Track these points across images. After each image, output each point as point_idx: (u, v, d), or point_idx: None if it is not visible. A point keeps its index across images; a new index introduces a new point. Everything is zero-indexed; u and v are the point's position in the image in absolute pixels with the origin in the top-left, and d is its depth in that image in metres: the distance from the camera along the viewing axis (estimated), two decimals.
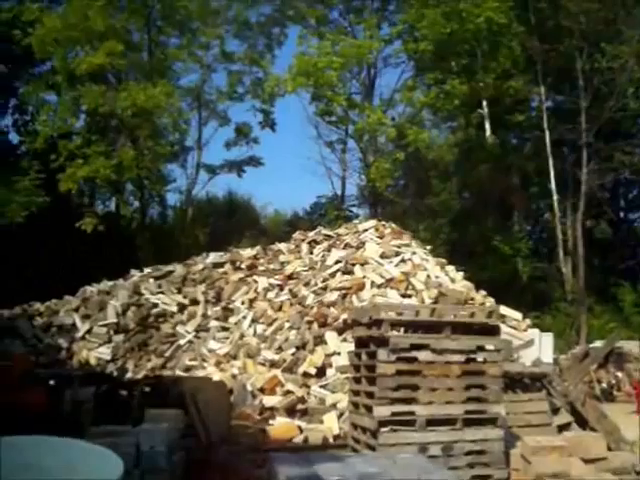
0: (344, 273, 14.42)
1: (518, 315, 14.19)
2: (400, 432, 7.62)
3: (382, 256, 14.57)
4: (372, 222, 16.71)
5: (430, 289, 13.10)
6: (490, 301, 14.88)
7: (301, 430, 10.08)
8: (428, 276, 13.83)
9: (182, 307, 15.49)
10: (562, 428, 10.65)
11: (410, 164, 30.60)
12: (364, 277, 13.79)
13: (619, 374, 21.21)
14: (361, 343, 8.65)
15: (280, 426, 10.17)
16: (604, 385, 20.47)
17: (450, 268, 15.31)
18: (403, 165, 29.48)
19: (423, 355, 7.76)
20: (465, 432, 7.74)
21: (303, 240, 17.08)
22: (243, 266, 16.55)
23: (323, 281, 14.40)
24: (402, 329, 8.85)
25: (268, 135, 54.36)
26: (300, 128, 40.01)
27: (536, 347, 13.61)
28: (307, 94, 26.33)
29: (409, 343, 7.76)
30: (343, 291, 13.58)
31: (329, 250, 15.83)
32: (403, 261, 14.36)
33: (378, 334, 7.89)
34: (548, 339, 13.87)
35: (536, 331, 14.01)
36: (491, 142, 29.30)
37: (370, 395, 7.94)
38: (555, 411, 10.81)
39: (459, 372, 7.81)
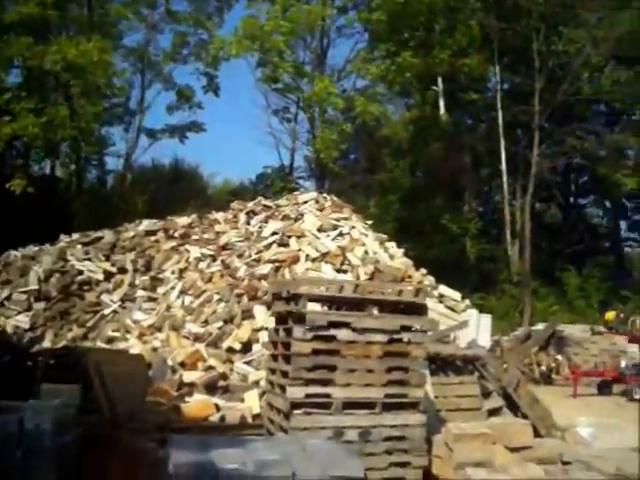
0: (280, 245, 13.81)
1: (457, 295, 13.79)
2: (314, 415, 7.07)
3: (320, 229, 14.00)
4: (312, 194, 16.12)
5: (366, 265, 12.58)
6: (429, 280, 14.47)
7: (218, 408, 9.48)
8: (366, 252, 13.31)
9: (109, 275, 14.67)
10: (493, 413, 10.28)
11: (361, 139, 29.99)
12: (299, 250, 13.20)
13: (559, 357, 21.21)
14: (280, 319, 8.06)
15: (196, 404, 9.54)
16: (543, 368, 20.43)
17: (390, 244, 14.83)
18: (354, 140, 28.89)
19: (342, 334, 7.21)
20: (384, 417, 7.23)
21: (241, 210, 16.39)
22: (177, 235, 15.80)
23: (257, 253, 13.77)
24: (326, 306, 8.33)
25: (219, 103, 53.15)
26: (251, 96, 39.09)
27: (473, 328, 13.21)
28: (254, 59, 25.54)
29: (327, 320, 7.18)
30: (276, 264, 12.98)
31: (266, 221, 15.19)
32: (341, 235, 13.82)
33: (295, 310, 7.32)
34: (486, 321, 13.50)
35: (474, 312, 13.63)
36: (445, 120, 28.92)
37: (285, 374, 7.35)
38: (487, 395, 10.44)
39: (380, 353, 7.28)
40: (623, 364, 17.22)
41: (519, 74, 27.69)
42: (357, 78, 27.67)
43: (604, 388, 17.07)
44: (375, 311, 7.82)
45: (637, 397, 16.06)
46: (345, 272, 12.57)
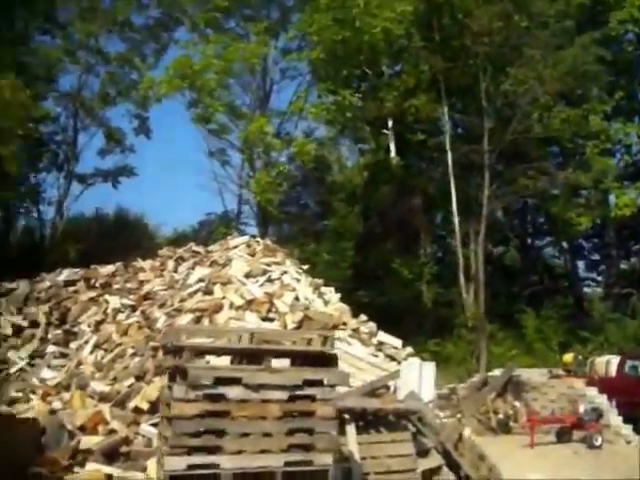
0: (205, 293, 12.74)
1: (398, 342, 12.82)
2: None
3: (248, 275, 12.99)
4: (244, 238, 15.13)
5: (295, 312, 11.54)
6: (370, 327, 13.49)
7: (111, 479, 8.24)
8: (296, 298, 12.30)
9: (18, 330, 13.38)
10: (432, 473, 9.23)
11: (311, 184, 29.23)
12: (223, 298, 12.14)
13: (517, 404, 20.18)
14: (171, 376, 6.96)
15: (84, 475, 8.29)
16: (501, 416, 19.36)
17: (328, 290, 13.86)
18: (302, 185, 28.10)
19: (234, 392, 6.13)
20: None
21: (170, 257, 15.29)
22: (97, 285, 14.61)
23: (180, 302, 12.66)
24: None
25: (161, 148, 51.88)
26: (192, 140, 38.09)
27: (415, 378, 12.18)
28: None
29: (214, 376, 6.10)
30: (197, 313, 11.87)
31: (194, 268, 14.10)
32: (270, 280, 12.81)
33: (177, 364, 6.24)
34: (429, 369, 12.47)
35: (416, 360, 12.62)
36: (395, 163, 28.37)
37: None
38: (425, 453, 9.38)
39: (279, 413, 6.20)
40: (582, 409, 16.23)
41: (468, 114, 27.29)
42: (299, 120, 26.97)
43: (563, 435, 16.06)
44: (278, 363, 6.81)
45: (597, 444, 15.11)
46: (272, 320, 11.51)
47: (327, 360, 6.63)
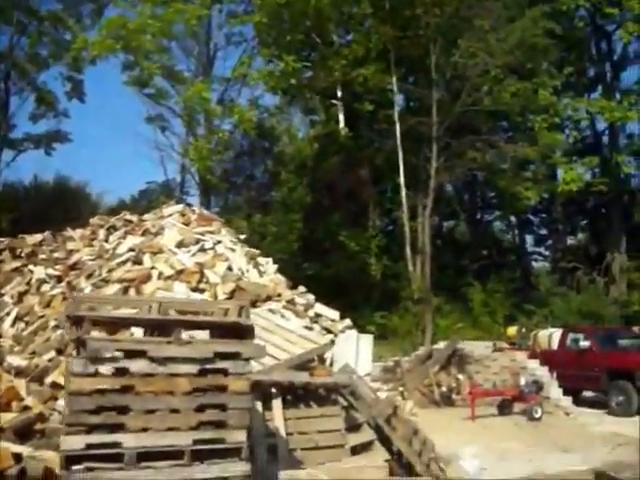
0: (135, 263, 12.14)
1: (335, 314, 12.45)
2: (99, 471, 5.47)
3: (180, 244, 12.43)
4: (178, 207, 14.50)
5: (227, 283, 11.07)
6: (308, 299, 13.08)
7: (20, 459, 7.68)
8: (229, 268, 11.81)
9: None
10: (363, 448, 8.92)
11: (258, 154, 28.55)
12: (152, 268, 11.58)
13: (460, 377, 20.14)
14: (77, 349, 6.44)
15: None
16: (444, 389, 19.30)
17: (265, 260, 13.38)
18: (250, 155, 27.39)
19: (137, 365, 5.66)
20: (194, 468, 5.70)
21: (101, 226, 14.59)
22: (23, 254, 13.86)
23: (109, 272, 12.04)
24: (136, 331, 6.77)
25: (104, 115, 49.86)
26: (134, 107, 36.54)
27: (352, 351, 11.87)
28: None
29: (115, 349, 5.62)
30: (125, 283, 11.30)
31: (125, 237, 13.47)
32: (203, 250, 12.28)
33: (77, 336, 5.73)
34: (366, 341, 12.16)
35: (353, 332, 12.29)
36: (344, 134, 27.91)
37: None
38: (357, 428, 9.07)
39: (188, 388, 5.76)
40: (522, 381, 16.24)
41: (418, 86, 26.83)
42: (244, 88, 26.12)
43: (504, 408, 16.07)
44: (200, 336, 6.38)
45: (537, 416, 15.16)
46: (203, 291, 11.02)
47: (243, 332, 6.20)
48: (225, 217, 31.62)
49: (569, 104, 29.09)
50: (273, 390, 8.13)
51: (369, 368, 12.06)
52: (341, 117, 27.74)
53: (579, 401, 17.44)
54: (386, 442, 8.88)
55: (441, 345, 21.28)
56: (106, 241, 13.88)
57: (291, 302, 11.46)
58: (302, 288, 13.97)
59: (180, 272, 11.31)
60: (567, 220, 35.28)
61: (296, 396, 8.41)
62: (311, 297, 13.43)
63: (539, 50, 24.24)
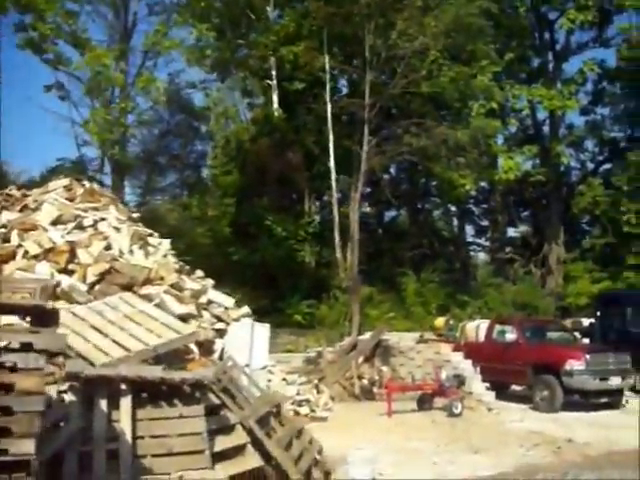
0: (4, 241, 10.77)
1: (229, 301, 11.36)
2: None
3: (57, 221, 11.10)
4: (64, 181, 13.11)
5: (99, 263, 9.82)
6: (204, 284, 11.92)
7: None
8: (107, 247, 10.56)
9: None
10: (232, 453, 7.81)
11: (184, 133, 27.14)
12: (19, 245, 10.26)
13: (384, 369, 19.27)
14: None
15: None
16: (365, 381, 18.41)
17: (156, 242, 12.12)
18: (175, 134, 25.93)
19: None
20: None
21: None
22: None
23: None
24: None
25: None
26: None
27: (246, 341, 10.78)
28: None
29: None
30: None
31: (0, 212, 12.07)
32: (81, 228, 10.98)
33: None
34: (263, 331, 11.07)
35: (248, 321, 11.18)
36: (278, 115, 26.72)
37: None
38: (229, 430, 7.95)
39: None
40: (444, 375, 15.36)
41: (351, 65, 25.69)
42: (165, 62, 24.34)
43: (424, 403, 15.25)
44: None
45: (457, 412, 14.35)
46: (72, 272, 9.75)
47: (46, 317, 5.01)
48: (144, 198, 30.68)
49: (509, 91, 28.46)
50: (123, 387, 6.96)
51: (265, 360, 10.99)
52: (275, 98, 26.57)
53: (505, 396, 16.69)
54: (260, 446, 7.80)
55: (367, 336, 20.42)
56: None
57: (176, 287, 10.26)
58: (199, 272, 12.85)
59: (49, 251, 10.01)
60: (506, 210, 34.79)
61: (154, 394, 7.25)
62: (208, 283, 12.30)
63: (475, 32, 23.38)
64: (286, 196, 27.64)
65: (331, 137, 23.78)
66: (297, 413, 13.78)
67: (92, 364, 6.76)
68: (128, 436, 6.63)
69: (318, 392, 16.01)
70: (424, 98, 26.03)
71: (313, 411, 14.26)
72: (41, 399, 4.70)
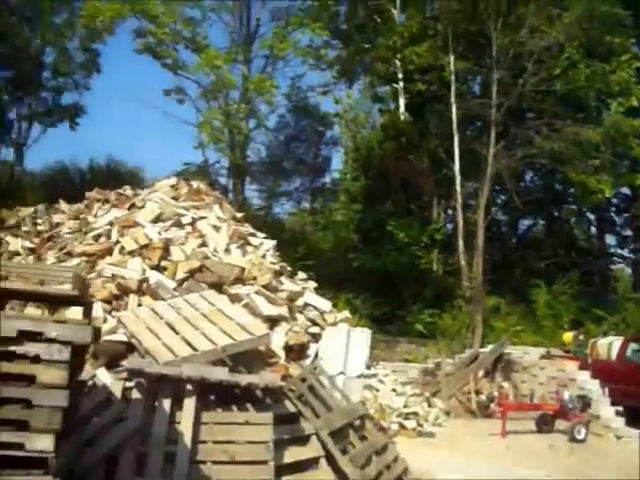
0: (108, 237, 11.00)
1: (326, 305, 10.89)
2: None
3: (157, 219, 11.18)
4: (171, 180, 13.28)
5: (190, 260, 9.73)
6: (304, 287, 11.57)
7: None
8: (202, 245, 10.50)
9: None
10: (307, 465, 7.32)
11: (310, 138, 27.12)
12: (117, 242, 10.41)
13: (505, 385, 18.14)
14: None
15: None
16: (483, 397, 17.40)
17: (258, 241, 11.91)
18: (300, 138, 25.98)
19: None
20: None
21: (98, 200, 13.55)
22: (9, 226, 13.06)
23: (80, 245, 10.97)
24: None
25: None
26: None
27: (341, 347, 10.29)
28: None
29: None
30: (85, 257, 10.19)
31: (110, 211, 12.40)
32: (179, 225, 10.98)
33: None
34: (361, 337, 10.52)
35: (344, 326, 10.68)
36: (404, 119, 26.11)
37: None
38: (304, 440, 7.48)
39: None
40: (566, 395, 14.08)
41: (477, 64, 24.42)
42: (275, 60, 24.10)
43: (543, 424, 14.08)
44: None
45: (580, 437, 13.05)
46: (164, 269, 9.73)
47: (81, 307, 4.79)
48: (268, 202, 31.01)
49: None
50: (188, 387, 6.69)
51: (362, 368, 10.41)
52: (401, 101, 25.98)
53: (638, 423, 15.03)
54: (333, 460, 7.27)
55: (488, 349, 19.32)
56: (96, 215, 12.84)
57: (269, 288, 9.97)
58: (302, 274, 12.52)
59: (144, 247, 10.06)
60: None
61: (223, 397, 6.94)
62: (309, 285, 11.94)
63: (612, 23, 21.50)
64: (411, 201, 26.87)
65: (456, 140, 22.79)
66: (403, 427, 13.17)
67: (157, 361, 6.52)
68: (187, 439, 6.34)
69: (429, 405, 15.26)
70: (556, 97, 24.36)
71: (421, 425, 13.55)
72: (64, 394, 4.44)
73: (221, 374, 6.68)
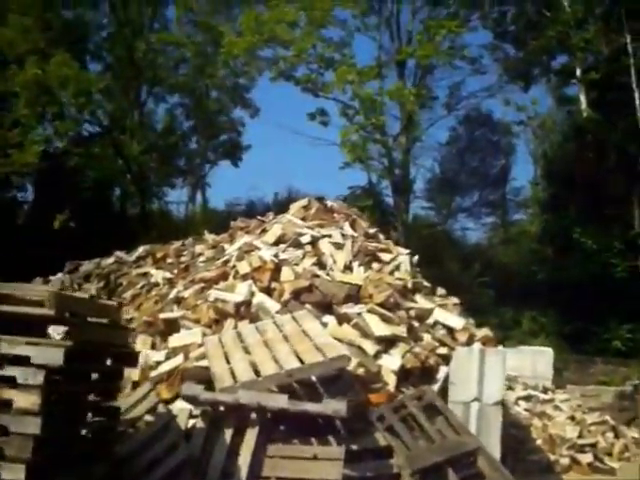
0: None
1: (458, 323, 9.83)
2: None
3: (279, 241, 10.92)
4: (303, 201, 12.91)
5: (297, 280, 9.30)
6: (441, 304, 10.60)
7: None
8: (319, 264, 10.03)
9: None
10: None
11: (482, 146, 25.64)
12: (233, 266, 10.29)
13: None
14: None
15: None
16: None
17: (389, 257, 11.12)
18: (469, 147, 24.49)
19: None
20: None
21: (242, 229, 13.63)
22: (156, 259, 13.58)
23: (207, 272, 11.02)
24: None
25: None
26: None
27: (474, 371, 9.14)
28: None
29: None
30: (202, 283, 10.20)
31: (242, 236, 12.37)
32: (297, 245, 10.60)
33: None
34: (497, 360, 9.24)
35: (476, 346, 9.52)
36: (586, 117, 23.85)
37: None
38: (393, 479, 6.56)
39: None
40: None
41: None
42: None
43: None
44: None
45: None
46: (273, 291, 9.40)
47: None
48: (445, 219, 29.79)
49: None
50: (253, 416, 6.18)
51: (498, 395, 9.16)
52: (582, 98, 23.77)
53: None
54: None
55: None
56: (232, 243, 12.91)
57: (387, 305, 9.21)
58: (441, 290, 11.54)
59: (256, 270, 9.81)
60: None
61: (293, 427, 6.32)
62: (449, 302, 10.93)
63: None
64: (603, 205, 24.27)
65: None
66: (575, 461, 11.61)
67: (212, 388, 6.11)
68: (244, 473, 5.81)
69: (616, 436, 13.28)
70: None
71: (600, 460, 11.83)
72: (36, 421, 4.15)
73: (281, 401, 6.08)
